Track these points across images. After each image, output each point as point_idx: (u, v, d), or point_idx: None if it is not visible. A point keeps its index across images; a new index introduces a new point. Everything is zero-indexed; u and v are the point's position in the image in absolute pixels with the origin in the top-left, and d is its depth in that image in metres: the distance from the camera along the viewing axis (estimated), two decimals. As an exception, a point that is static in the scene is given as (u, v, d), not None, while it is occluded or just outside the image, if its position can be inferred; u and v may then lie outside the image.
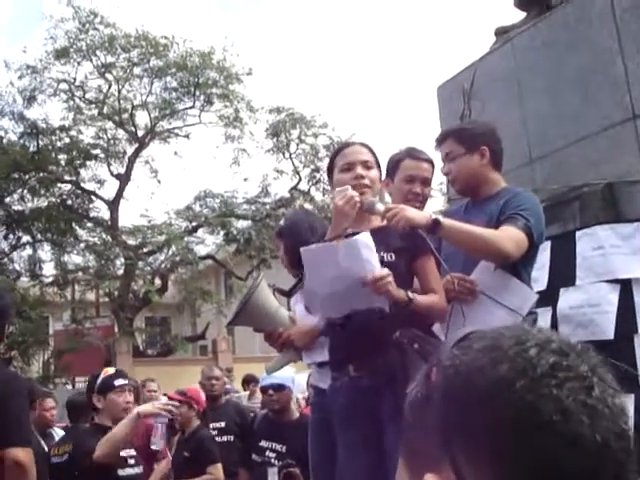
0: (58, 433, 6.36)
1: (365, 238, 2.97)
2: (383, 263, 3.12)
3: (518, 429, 0.73)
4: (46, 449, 5.23)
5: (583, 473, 0.72)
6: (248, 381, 12.35)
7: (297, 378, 5.68)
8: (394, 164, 3.83)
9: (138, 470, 4.63)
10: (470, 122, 4.01)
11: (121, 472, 4.43)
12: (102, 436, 4.42)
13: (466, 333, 0.86)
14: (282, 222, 4.32)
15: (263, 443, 5.31)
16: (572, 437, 0.73)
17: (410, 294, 3.03)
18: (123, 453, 4.48)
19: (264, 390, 5.47)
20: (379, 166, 3.40)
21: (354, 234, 3.19)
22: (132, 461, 4.57)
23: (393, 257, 3.16)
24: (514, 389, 0.75)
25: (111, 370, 4.88)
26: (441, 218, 3.10)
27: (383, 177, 3.57)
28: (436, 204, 18.45)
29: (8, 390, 3.34)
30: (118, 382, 4.68)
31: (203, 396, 6.31)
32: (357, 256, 2.93)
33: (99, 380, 4.70)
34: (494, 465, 0.74)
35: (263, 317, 3.61)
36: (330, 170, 3.46)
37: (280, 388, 5.33)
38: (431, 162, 3.88)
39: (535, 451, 0.72)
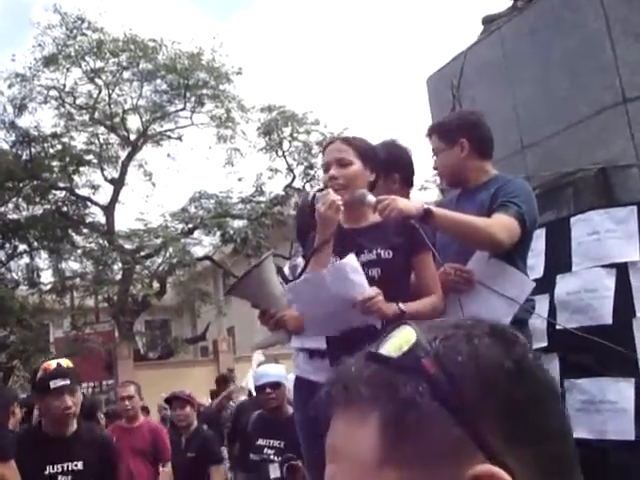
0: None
1: (351, 261, 2.97)
2: (380, 260, 3.11)
3: None
4: None
5: None
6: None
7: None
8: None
9: None
10: (452, 115, 3.99)
11: None
12: None
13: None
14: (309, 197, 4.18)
15: (260, 442, 5.29)
16: None
17: (402, 306, 3.00)
18: None
19: (261, 389, 5.45)
20: (366, 159, 3.26)
21: (353, 230, 3.18)
22: None
23: (391, 254, 3.14)
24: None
25: (53, 364, 4.06)
26: (433, 208, 3.09)
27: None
28: (430, 196, 18.50)
29: None
30: (54, 383, 3.91)
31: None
32: (345, 279, 2.94)
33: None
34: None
35: (262, 292, 3.61)
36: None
37: (276, 386, 5.33)
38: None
39: None
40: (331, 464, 0.82)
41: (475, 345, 0.78)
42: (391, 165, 3.67)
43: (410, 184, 3.85)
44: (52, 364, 4.01)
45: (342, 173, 3.20)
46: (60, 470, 3.89)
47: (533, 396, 0.78)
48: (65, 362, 4.10)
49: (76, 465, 3.93)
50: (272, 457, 5.15)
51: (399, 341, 0.80)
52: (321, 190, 3.24)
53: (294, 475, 4.81)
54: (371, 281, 3.04)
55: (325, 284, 2.95)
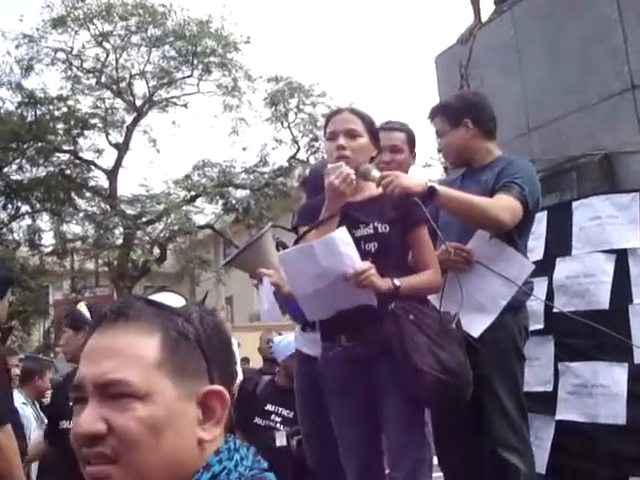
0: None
1: (341, 234, 2.92)
2: (378, 234, 3.10)
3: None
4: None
5: None
6: None
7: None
8: None
9: None
10: (454, 96, 3.98)
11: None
12: None
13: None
14: (307, 172, 4.26)
15: (269, 407, 5.26)
16: None
17: (397, 281, 2.98)
18: None
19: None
20: (372, 133, 3.26)
21: (350, 204, 3.15)
22: None
23: (387, 228, 3.12)
24: None
25: None
26: (437, 186, 3.09)
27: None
28: (435, 173, 18.46)
29: None
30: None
31: None
32: (336, 253, 2.89)
33: None
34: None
35: (261, 264, 3.62)
36: (325, 135, 3.37)
37: None
38: (402, 130, 3.87)
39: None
40: (110, 360, 1.15)
41: (213, 318, 1.27)
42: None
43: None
44: None
45: (350, 144, 3.15)
46: None
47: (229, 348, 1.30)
48: None
49: None
50: (278, 425, 5.13)
51: (172, 298, 1.27)
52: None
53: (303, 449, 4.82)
54: (368, 255, 3.03)
55: (315, 256, 2.90)
